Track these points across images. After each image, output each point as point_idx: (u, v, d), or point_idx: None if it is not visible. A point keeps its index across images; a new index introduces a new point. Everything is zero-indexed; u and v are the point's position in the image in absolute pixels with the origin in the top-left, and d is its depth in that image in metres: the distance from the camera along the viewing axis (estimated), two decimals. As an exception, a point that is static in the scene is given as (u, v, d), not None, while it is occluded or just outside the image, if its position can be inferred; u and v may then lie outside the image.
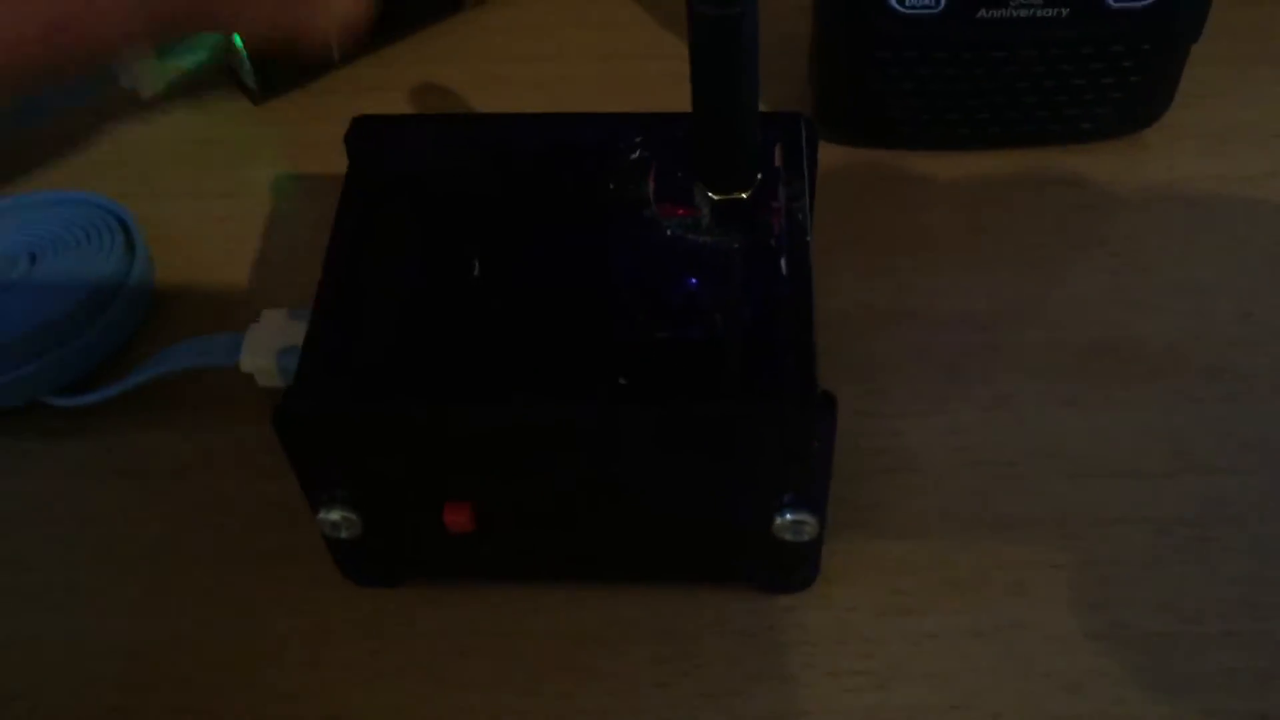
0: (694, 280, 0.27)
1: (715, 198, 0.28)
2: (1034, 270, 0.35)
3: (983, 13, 0.34)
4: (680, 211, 0.28)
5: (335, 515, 0.27)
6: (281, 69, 0.39)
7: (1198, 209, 0.36)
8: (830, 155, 0.31)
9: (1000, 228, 0.36)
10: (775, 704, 0.28)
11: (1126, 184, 0.37)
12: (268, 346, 0.31)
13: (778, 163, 0.29)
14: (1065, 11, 0.34)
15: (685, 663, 0.28)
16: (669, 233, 0.28)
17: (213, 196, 0.38)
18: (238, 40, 0.38)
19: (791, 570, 0.28)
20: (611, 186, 0.29)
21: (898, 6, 0.34)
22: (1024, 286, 0.35)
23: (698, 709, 0.28)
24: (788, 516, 0.26)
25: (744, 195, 0.28)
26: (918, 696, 0.28)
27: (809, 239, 0.27)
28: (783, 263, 0.27)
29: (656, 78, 0.40)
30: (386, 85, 0.41)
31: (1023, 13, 0.34)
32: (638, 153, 0.29)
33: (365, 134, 0.30)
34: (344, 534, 0.27)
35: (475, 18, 0.42)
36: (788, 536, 0.27)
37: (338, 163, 0.38)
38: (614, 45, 0.42)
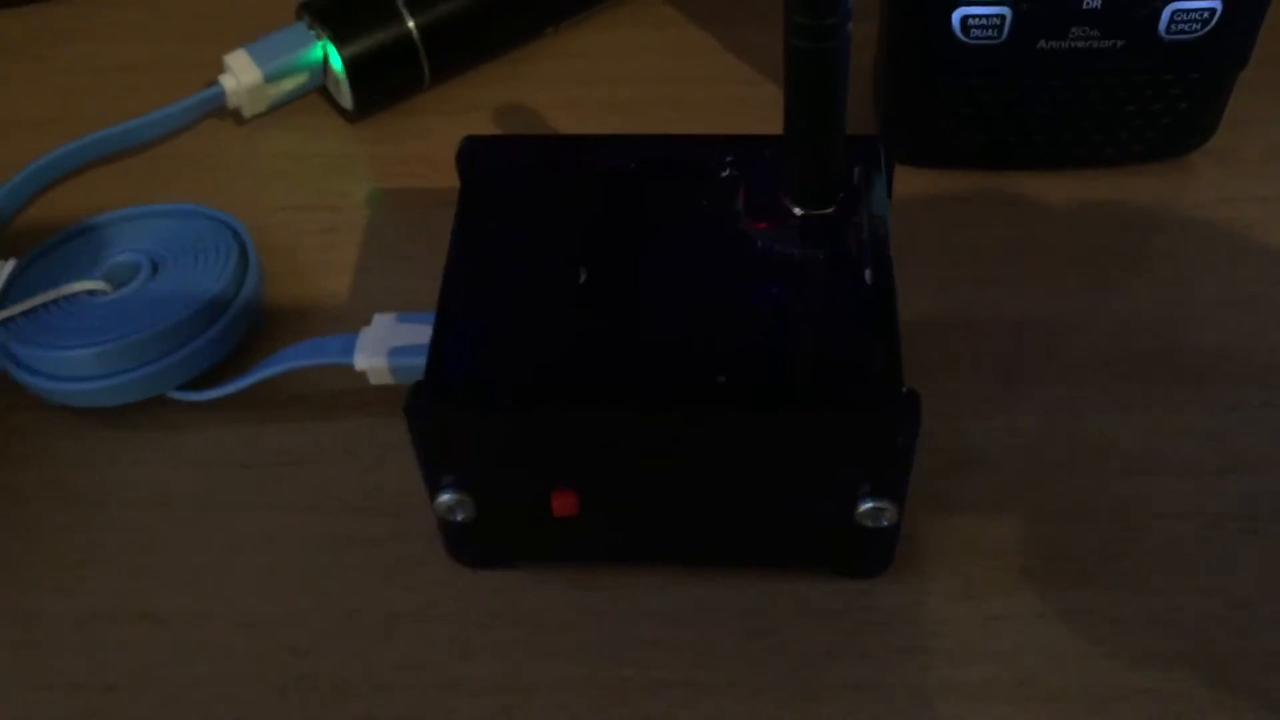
0: (784, 289, 0.29)
1: (800, 213, 0.30)
2: (1087, 284, 0.37)
3: (1042, 44, 0.36)
4: (768, 226, 0.30)
5: (452, 499, 0.29)
6: (375, 91, 0.42)
7: (1242, 227, 0.38)
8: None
9: (1054, 244, 0.38)
10: (854, 677, 0.30)
11: (1174, 204, 0.39)
12: (380, 347, 0.33)
13: (856, 182, 0.31)
14: (1121, 43, 0.36)
15: (770, 639, 0.31)
16: (759, 245, 0.30)
17: (313, 209, 0.40)
18: (337, 64, 0.41)
19: (869, 556, 0.31)
20: (704, 203, 0.31)
21: (962, 37, 0.36)
22: (1078, 299, 0.37)
23: (782, 680, 0.30)
24: (869, 504, 0.29)
25: (828, 211, 0.30)
26: (987, 673, 0.30)
27: (890, 252, 0.29)
28: (867, 273, 0.29)
29: (725, 100, 0.43)
30: (472, 106, 0.43)
31: (1080, 44, 0.36)
32: (727, 171, 0.32)
33: (475, 152, 0.32)
34: (459, 517, 0.30)
35: (555, 43, 0.45)
36: (869, 523, 0.29)
37: (428, 177, 0.41)
38: (685, 70, 0.44)
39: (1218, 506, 0.32)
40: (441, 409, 0.28)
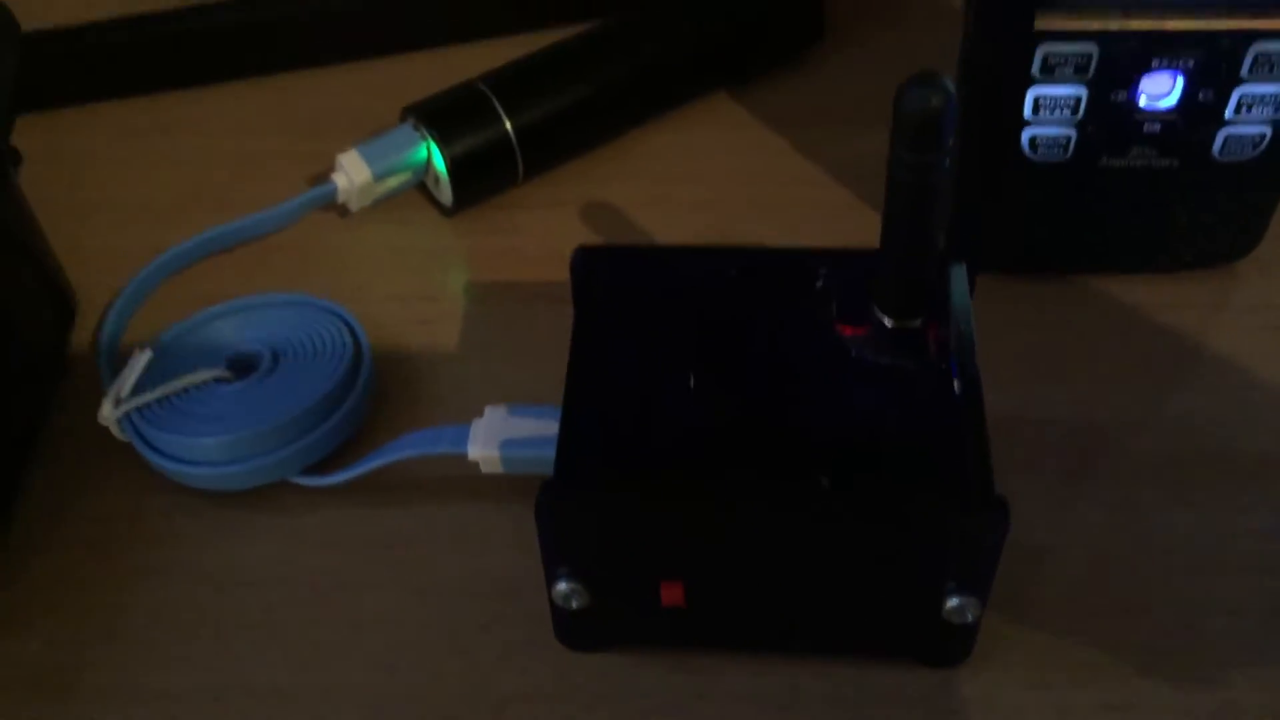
0: (879, 396, 0.32)
1: (891, 324, 0.33)
2: (1144, 385, 0.40)
3: (1104, 161, 0.39)
4: (861, 335, 0.33)
5: (569, 588, 0.32)
6: (473, 188, 0.45)
7: (1286, 332, 0.41)
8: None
9: (1111, 347, 0.41)
10: (938, 762, 0.32)
11: (1223, 309, 0.42)
12: (492, 438, 0.36)
13: (940, 294, 0.34)
14: (1177, 163, 0.39)
15: (857, 724, 0.33)
16: (853, 354, 0.33)
17: (414, 300, 0.43)
18: (440, 164, 0.43)
19: (952, 647, 0.33)
20: (800, 312, 0.34)
21: (1030, 154, 0.39)
22: (1135, 399, 0.39)
23: (871, 764, 0.32)
24: (955, 601, 0.31)
25: (917, 323, 0.33)
26: (1062, 759, 0.32)
27: (976, 363, 0.32)
28: (955, 383, 0.31)
29: (798, 201, 0.46)
30: (560, 202, 0.46)
31: (1139, 162, 0.39)
32: (821, 283, 0.34)
33: (587, 261, 0.35)
34: (574, 605, 0.32)
35: (638, 142, 0.48)
36: (954, 619, 0.31)
37: (519, 270, 0.44)
38: (760, 170, 0.47)
39: (1277, 602, 0.34)
40: (570, 506, 0.30)
